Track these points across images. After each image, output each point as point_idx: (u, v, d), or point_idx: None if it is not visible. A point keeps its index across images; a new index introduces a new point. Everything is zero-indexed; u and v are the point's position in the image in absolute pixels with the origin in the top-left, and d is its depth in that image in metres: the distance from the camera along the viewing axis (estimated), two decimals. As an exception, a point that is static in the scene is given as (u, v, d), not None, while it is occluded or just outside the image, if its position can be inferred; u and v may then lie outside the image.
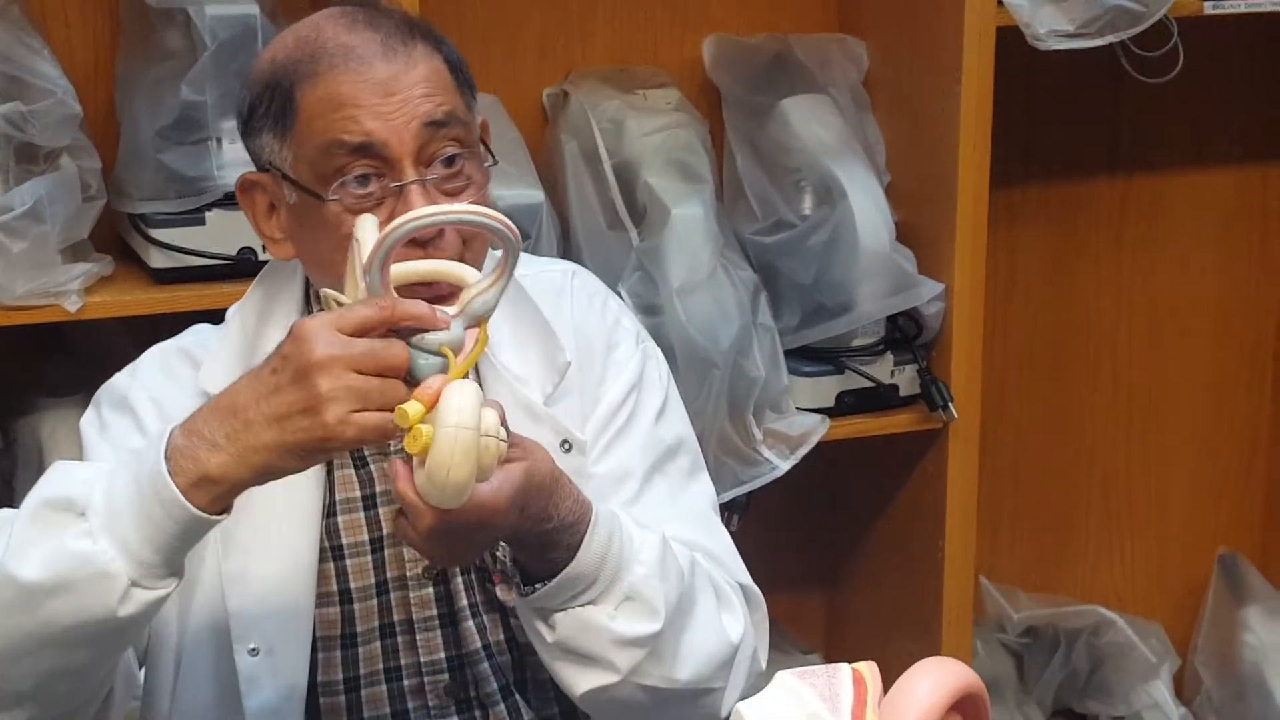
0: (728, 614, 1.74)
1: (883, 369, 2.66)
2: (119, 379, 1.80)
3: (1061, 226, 3.10)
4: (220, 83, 2.34)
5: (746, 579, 1.81)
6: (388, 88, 1.63)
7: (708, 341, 2.51)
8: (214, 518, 1.50)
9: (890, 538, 2.85)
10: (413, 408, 1.47)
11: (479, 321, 1.55)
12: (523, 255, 1.90)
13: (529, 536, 1.59)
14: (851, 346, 2.66)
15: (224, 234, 2.36)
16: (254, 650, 1.71)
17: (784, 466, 2.57)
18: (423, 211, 1.51)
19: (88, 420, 1.79)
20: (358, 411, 1.45)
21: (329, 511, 1.75)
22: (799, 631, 2.98)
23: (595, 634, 1.63)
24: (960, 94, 2.57)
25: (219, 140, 2.36)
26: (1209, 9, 2.73)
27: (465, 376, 1.50)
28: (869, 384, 2.65)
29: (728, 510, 2.54)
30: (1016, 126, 2.94)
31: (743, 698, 1.69)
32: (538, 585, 1.62)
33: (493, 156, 1.72)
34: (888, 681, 1.07)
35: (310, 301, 1.77)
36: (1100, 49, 2.65)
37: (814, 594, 3.02)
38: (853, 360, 2.65)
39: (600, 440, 1.79)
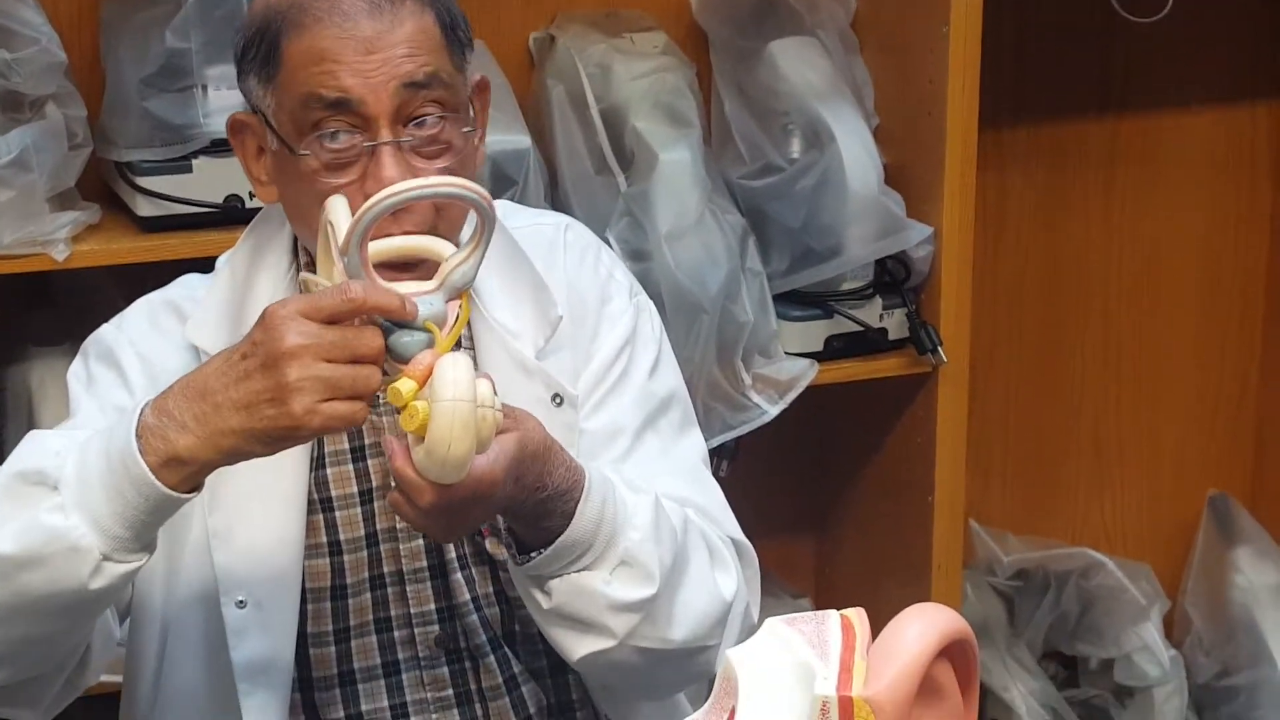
0: (721, 571, 1.74)
1: (871, 313, 2.66)
2: (106, 330, 1.80)
3: (1051, 169, 3.10)
4: (205, 29, 2.33)
5: (738, 533, 1.81)
6: (369, 45, 1.61)
7: (696, 286, 2.50)
8: (184, 496, 1.51)
9: (880, 482, 2.85)
10: (405, 385, 1.47)
11: (459, 293, 1.55)
12: (515, 206, 1.90)
13: (524, 506, 1.59)
14: (840, 290, 2.65)
15: (211, 182, 2.35)
16: (241, 603, 1.71)
17: (773, 411, 2.57)
18: (397, 187, 1.51)
19: (74, 373, 1.78)
20: (326, 401, 1.46)
21: (318, 464, 1.75)
22: (789, 576, 2.98)
23: (591, 599, 1.64)
24: (949, 35, 2.56)
25: (204, 87, 2.35)
26: (1199, -52, 2.72)
27: (452, 349, 1.50)
28: (858, 328, 2.65)
29: (716, 456, 2.54)
30: (1005, 68, 2.93)
31: None
32: (533, 554, 1.62)
33: (478, 125, 1.71)
34: (877, 627, 1.07)
35: (298, 252, 1.76)
36: (1089, -11, 2.65)
37: (804, 538, 3.02)
38: (841, 304, 2.65)
39: (593, 396, 1.78)
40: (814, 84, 2.64)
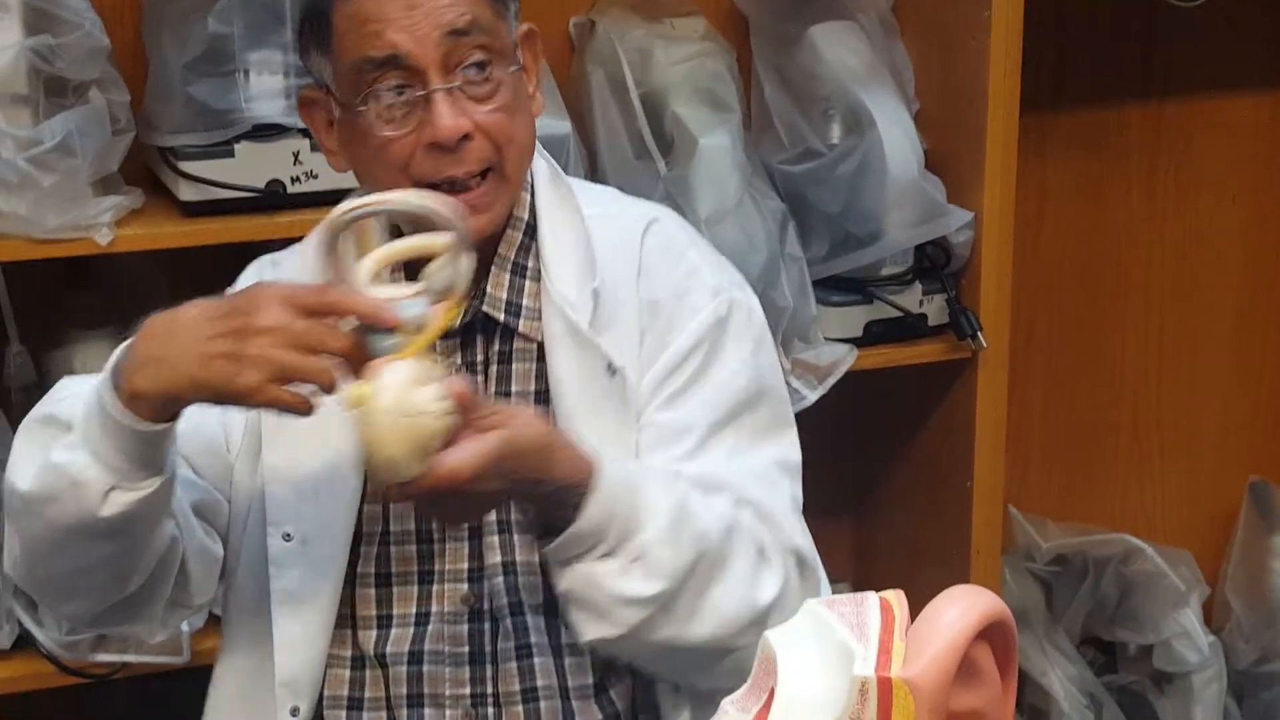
0: (767, 574, 1.75)
1: (911, 298, 2.66)
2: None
3: (1092, 154, 3.09)
4: (247, 14, 2.34)
5: (802, 541, 1.81)
6: (410, 2, 1.68)
7: (736, 271, 2.50)
8: (157, 427, 1.59)
9: (919, 467, 2.85)
10: (355, 390, 1.54)
11: (442, 296, 1.59)
12: (616, 196, 1.95)
13: (526, 498, 1.66)
14: (880, 276, 2.65)
15: (253, 166, 2.36)
16: (288, 536, 1.79)
17: (812, 397, 2.58)
18: (362, 200, 1.59)
19: None
20: (273, 382, 1.54)
21: None
22: (828, 561, 2.95)
23: (598, 590, 1.68)
24: (990, 20, 2.55)
25: (246, 72, 2.35)
26: (1241, -67, 2.71)
27: (423, 354, 1.56)
28: (897, 313, 2.65)
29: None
30: (1047, 52, 2.92)
31: None
32: (551, 537, 1.68)
33: (530, 73, 1.77)
34: (915, 612, 1.07)
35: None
36: (1132, -27, 2.64)
37: (843, 524, 3.03)
38: (881, 290, 2.65)
39: (663, 390, 1.80)
40: (854, 69, 2.63)
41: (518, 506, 1.73)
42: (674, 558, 1.68)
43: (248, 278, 1.88)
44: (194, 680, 1.95)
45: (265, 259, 1.91)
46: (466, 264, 1.60)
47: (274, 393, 1.54)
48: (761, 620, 1.74)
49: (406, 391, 1.53)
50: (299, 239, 1.88)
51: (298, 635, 1.79)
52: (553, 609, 1.80)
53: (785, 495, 1.83)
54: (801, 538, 1.81)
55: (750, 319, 1.86)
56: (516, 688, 1.80)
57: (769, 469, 1.83)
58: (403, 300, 1.57)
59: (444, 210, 1.59)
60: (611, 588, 1.67)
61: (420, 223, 1.63)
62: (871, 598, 1.08)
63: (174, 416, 1.60)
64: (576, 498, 1.64)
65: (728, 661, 1.74)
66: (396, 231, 1.75)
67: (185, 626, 2.44)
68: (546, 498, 1.65)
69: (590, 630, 1.70)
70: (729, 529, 1.73)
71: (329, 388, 1.56)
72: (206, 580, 1.81)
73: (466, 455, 1.56)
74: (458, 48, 1.68)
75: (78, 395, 1.64)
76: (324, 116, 1.78)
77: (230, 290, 1.84)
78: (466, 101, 1.69)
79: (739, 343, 1.83)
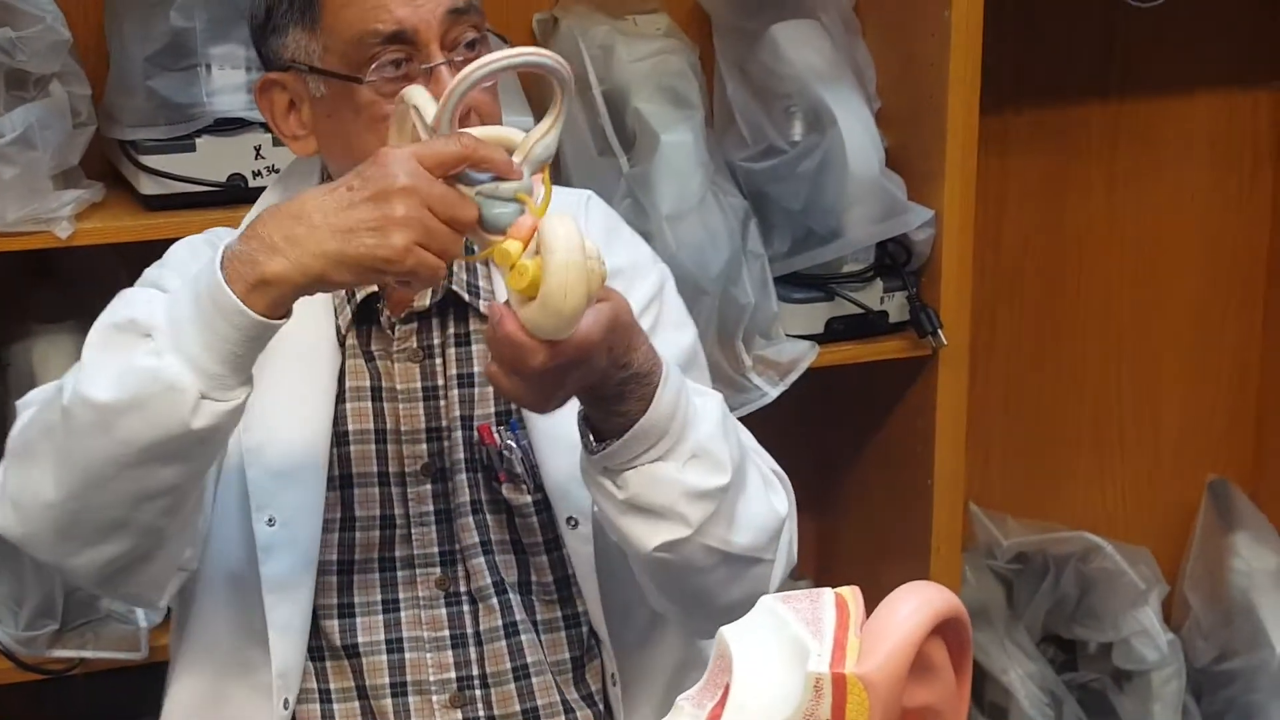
0: (772, 490, 1.78)
1: (872, 295, 2.67)
2: (148, 272, 1.84)
3: (1052, 153, 3.10)
4: (209, 9, 2.34)
5: (777, 468, 1.84)
6: None
7: (697, 268, 2.51)
8: (274, 322, 1.52)
9: (880, 464, 2.86)
10: (512, 245, 1.51)
11: (542, 166, 1.58)
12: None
13: (607, 385, 1.61)
14: (841, 273, 2.66)
15: (214, 160, 2.36)
16: (271, 520, 1.76)
17: (773, 393, 2.58)
18: (485, 60, 1.55)
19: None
20: (420, 246, 1.49)
21: (339, 398, 1.79)
22: (789, 557, 2.99)
23: (667, 487, 1.65)
24: (951, 19, 2.56)
25: (208, 66, 2.35)
26: (1201, -66, 2.72)
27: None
28: (858, 310, 2.66)
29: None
30: (1007, 52, 2.93)
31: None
32: (608, 443, 1.64)
33: (503, 38, 1.79)
34: (874, 607, 1.07)
35: None
36: (1092, -26, 2.65)
37: (804, 520, 2.99)
38: (842, 287, 2.66)
39: None
40: (816, 66, 2.64)
41: (585, 402, 1.66)
42: (728, 453, 1.68)
43: (183, 259, 1.83)
44: (152, 676, 1.94)
45: (199, 242, 1.86)
46: (558, 135, 1.59)
47: (421, 256, 1.49)
48: (779, 531, 1.76)
49: (582, 237, 1.51)
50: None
51: (293, 622, 1.77)
52: (544, 586, 1.82)
53: (747, 432, 1.84)
54: (775, 464, 1.84)
55: (671, 283, 1.91)
56: (507, 666, 1.81)
57: (727, 413, 1.84)
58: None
59: (564, 71, 1.58)
60: (682, 481, 1.65)
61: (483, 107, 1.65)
62: (827, 594, 1.08)
63: (288, 313, 1.53)
64: (645, 388, 1.62)
65: (754, 574, 1.74)
66: None
67: (142, 621, 2.44)
68: (623, 385, 1.61)
69: (655, 536, 1.67)
70: (740, 443, 1.75)
71: (451, 258, 1.52)
72: (195, 543, 1.76)
73: (593, 318, 1.54)
74: (456, 25, 1.70)
75: (152, 301, 1.57)
76: (284, 101, 1.77)
77: (153, 270, 1.82)
78: None
79: (677, 305, 1.89)
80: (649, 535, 1.67)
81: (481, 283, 1.81)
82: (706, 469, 1.66)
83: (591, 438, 1.66)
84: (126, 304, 1.61)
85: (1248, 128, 3.21)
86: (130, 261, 2.38)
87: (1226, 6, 3.12)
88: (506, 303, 1.54)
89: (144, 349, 1.52)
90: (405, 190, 1.48)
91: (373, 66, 1.69)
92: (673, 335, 1.85)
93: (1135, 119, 3.13)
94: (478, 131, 1.59)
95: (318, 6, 1.71)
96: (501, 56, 1.56)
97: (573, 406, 1.67)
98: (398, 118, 1.62)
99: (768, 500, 1.76)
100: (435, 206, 1.49)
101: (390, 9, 1.68)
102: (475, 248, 1.58)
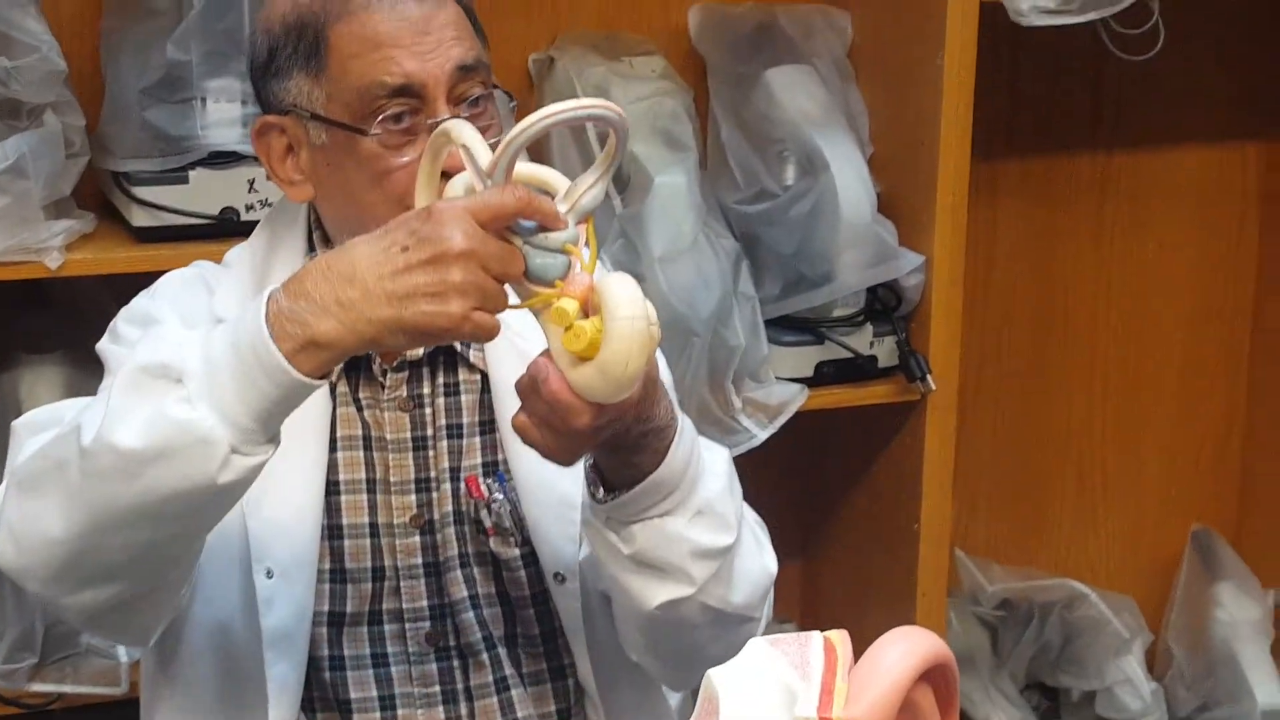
0: (763, 546, 1.77)
1: (862, 340, 2.67)
2: (137, 302, 1.80)
3: (1042, 201, 3.11)
4: (206, 42, 2.34)
5: (759, 520, 1.82)
6: (422, 27, 1.66)
7: (688, 310, 2.51)
8: (315, 383, 1.47)
9: (867, 508, 2.86)
10: (569, 304, 1.46)
11: (587, 217, 1.53)
12: None
13: (628, 437, 1.58)
14: (831, 317, 2.67)
15: (207, 193, 2.36)
16: (269, 572, 1.72)
17: (762, 435, 2.58)
18: (548, 111, 1.48)
19: (104, 342, 1.77)
20: (477, 309, 1.44)
21: (330, 447, 1.76)
22: (775, 601, 2.97)
23: (675, 544, 1.63)
24: (943, 67, 2.57)
25: (203, 100, 2.36)
26: (1192, -13, 2.74)
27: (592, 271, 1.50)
28: (848, 354, 2.66)
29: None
30: (999, 101, 2.94)
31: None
32: (617, 493, 1.62)
33: (509, 95, 1.78)
34: (861, 652, 1.07)
35: (313, 245, 1.78)
36: (1082, 25, 2.66)
37: (790, 563, 3.02)
38: (832, 331, 2.66)
39: None
40: (809, 112, 2.65)
41: (600, 453, 1.62)
42: (734, 510, 1.67)
43: (174, 291, 1.80)
44: (132, 711, 1.92)
45: (192, 276, 1.82)
46: (606, 185, 1.54)
47: (479, 320, 1.44)
48: (769, 589, 1.75)
49: (644, 303, 1.45)
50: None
51: (290, 676, 1.73)
52: (531, 639, 1.80)
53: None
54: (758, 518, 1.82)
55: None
56: None
57: (733, 470, 1.83)
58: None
59: (623, 123, 1.51)
60: (688, 538, 1.63)
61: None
62: (815, 638, 1.08)
63: (327, 375, 1.48)
64: (661, 442, 1.60)
65: (742, 634, 1.71)
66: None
67: (123, 657, 2.43)
68: (643, 438, 1.59)
69: (660, 593, 1.65)
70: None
71: (503, 310, 1.47)
72: (189, 588, 1.72)
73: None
74: (463, 81, 1.68)
75: (185, 345, 1.49)
76: (282, 145, 1.73)
77: (144, 296, 1.80)
78: None
79: (663, 361, 1.86)
80: (652, 593, 1.66)
81: None
82: (712, 527, 1.65)
83: (600, 488, 1.64)
84: (158, 344, 1.55)
85: (1235, 181, 3.22)
86: (120, 293, 2.37)
87: (1215, 60, 3.14)
88: (546, 353, 1.50)
89: (175, 395, 1.46)
90: (464, 254, 1.43)
91: (378, 119, 1.66)
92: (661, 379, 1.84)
93: (1124, 170, 3.15)
94: (522, 170, 1.54)
95: (324, 53, 1.67)
96: (564, 109, 1.49)
97: (559, 466, 1.65)
98: (433, 150, 1.56)
99: (760, 558, 1.75)
100: (489, 265, 1.45)
101: (399, 61, 1.65)
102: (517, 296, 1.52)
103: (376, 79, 1.66)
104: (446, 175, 1.58)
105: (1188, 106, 3.14)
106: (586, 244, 1.52)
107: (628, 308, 1.44)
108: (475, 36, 1.72)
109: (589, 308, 1.47)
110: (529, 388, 1.52)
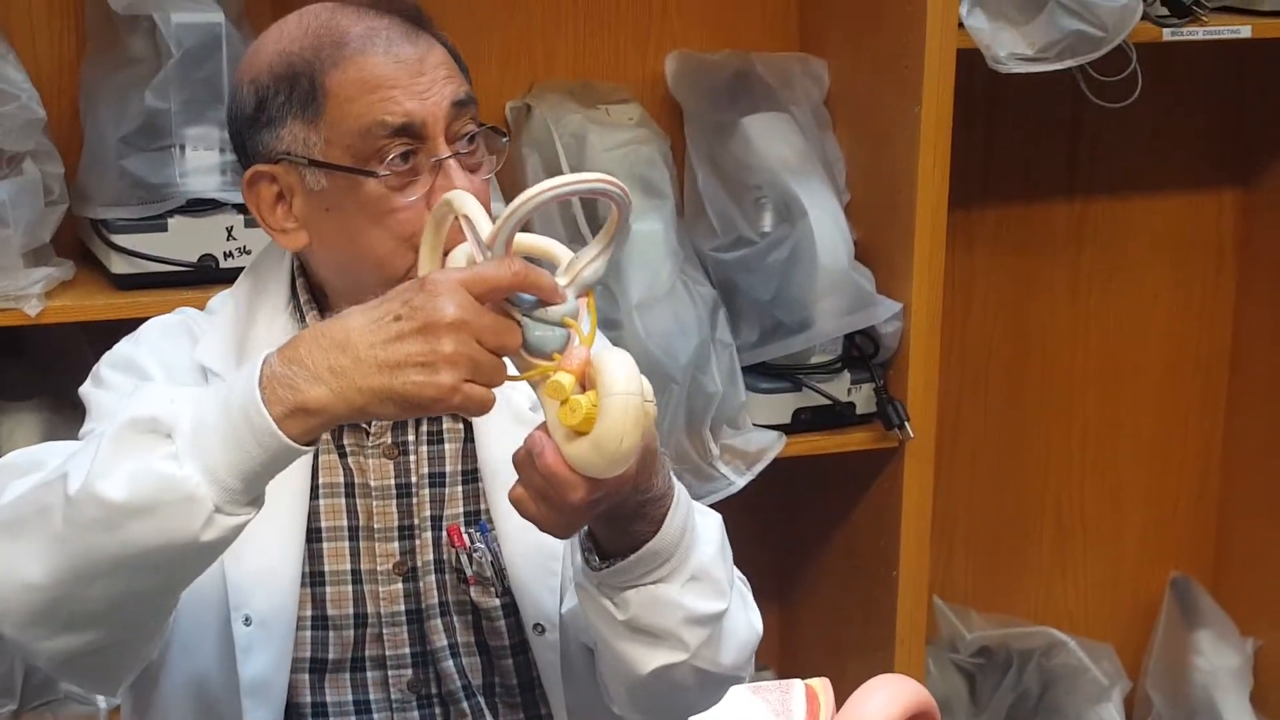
0: (749, 606, 1.77)
1: (840, 387, 2.68)
2: (120, 347, 1.80)
3: (1019, 248, 3.12)
4: (184, 90, 2.34)
5: (742, 575, 1.82)
6: (418, 68, 1.67)
7: (666, 357, 2.51)
8: (303, 449, 1.47)
9: (845, 555, 2.86)
10: (566, 379, 1.46)
11: (588, 290, 1.53)
12: None
13: (626, 507, 1.59)
14: (809, 364, 2.67)
15: (185, 241, 2.36)
16: (248, 620, 1.72)
17: (740, 482, 2.58)
18: (550, 183, 1.49)
19: (86, 386, 1.78)
20: (468, 381, 1.45)
21: (312, 494, 1.76)
22: (752, 647, 2.98)
23: (669, 611, 1.63)
24: (920, 115, 2.58)
25: (182, 147, 2.36)
26: (1168, 35, 2.76)
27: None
28: (826, 401, 2.67)
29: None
30: (976, 148, 2.96)
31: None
32: (612, 561, 1.62)
33: (504, 129, 1.78)
34: (839, 701, 1.07)
35: (297, 294, 1.78)
36: (1060, 73, 2.68)
37: (768, 610, 3.00)
38: (810, 378, 2.66)
39: None
40: (786, 159, 2.66)
41: (599, 522, 1.62)
42: (726, 576, 1.67)
43: (155, 339, 1.80)
44: (109, 757, 1.93)
45: (174, 324, 1.81)
46: (609, 259, 1.54)
47: (468, 391, 1.44)
48: (755, 649, 1.75)
49: (640, 379, 1.45)
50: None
51: None
52: (509, 689, 1.80)
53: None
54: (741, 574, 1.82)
55: None
56: None
57: (724, 535, 1.83)
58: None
59: (626, 198, 1.51)
60: (683, 605, 1.63)
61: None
62: (798, 685, 1.08)
63: (315, 442, 1.48)
64: (658, 510, 1.60)
65: (720, 695, 1.71)
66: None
67: (102, 703, 2.42)
68: (640, 508, 1.59)
69: (652, 659, 1.65)
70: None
71: (500, 384, 1.47)
72: (164, 638, 1.71)
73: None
74: (459, 118, 1.69)
75: (176, 401, 1.50)
76: (271, 194, 1.72)
77: (127, 342, 1.80)
78: (464, 171, 1.69)
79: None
80: (647, 658, 1.66)
81: None
82: (706, 593, 1.65)
83: (595, 555, 1.64)
84: (148, 398, 1.54)
85: (1211, 228, 3.24)
86: (99, 340, 2.38)
87: (1191, 108, 3.15)
88: (543, 426, 1.50)
89: (163, 451, 1.47)
90: (455, 325, 1.43)
91: (385, 160, 1.66)
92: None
93: (1100, 217, 3.16)
94: (524, 240, 1.55)
95: (321, 99, 1.67)
96: (565, 182, 1.49)
97: None
98: (435, 220, 1.57)
99: (747, 617, 1.75)
100: (484, 337, 1.45)
101: (399, 101, 1.66)
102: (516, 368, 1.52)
103: (377, 119, 1.66)
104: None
105: (1164, 154, 3.16)
106: (588, 317, 1.51)
107: (624, 384, 1.44)
108: (463, 75, 1.73)
109: (586, 382, 1.47)
110: (525, 461, 1.52)
